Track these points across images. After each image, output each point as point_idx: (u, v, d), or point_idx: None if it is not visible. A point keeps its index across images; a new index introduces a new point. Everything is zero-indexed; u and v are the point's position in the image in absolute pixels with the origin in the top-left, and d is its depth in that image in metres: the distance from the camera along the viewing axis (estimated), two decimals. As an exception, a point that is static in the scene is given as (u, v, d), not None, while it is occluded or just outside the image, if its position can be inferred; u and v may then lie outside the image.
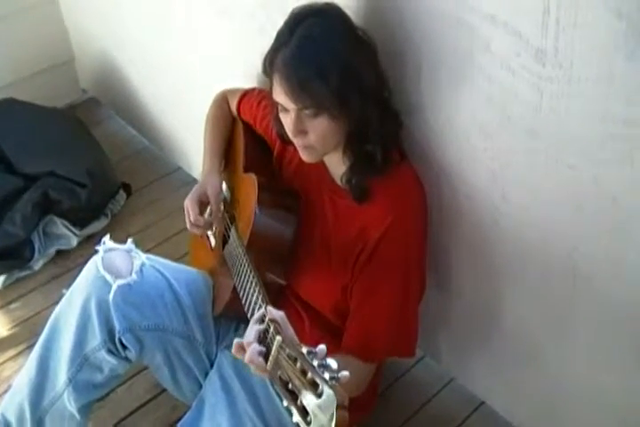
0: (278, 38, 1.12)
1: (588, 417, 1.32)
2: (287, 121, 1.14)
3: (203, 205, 1.37)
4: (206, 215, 1.38)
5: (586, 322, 1.20)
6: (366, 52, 1.12)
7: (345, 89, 1.07)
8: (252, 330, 0.95)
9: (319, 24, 1.09)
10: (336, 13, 1.12)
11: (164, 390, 1.52)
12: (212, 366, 1.35)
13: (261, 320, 0.96)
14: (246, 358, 0.92)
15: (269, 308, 0.97)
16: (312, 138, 1.13)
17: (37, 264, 1.94)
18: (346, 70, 1.07)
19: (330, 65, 1.07)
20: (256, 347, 0.91)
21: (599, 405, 1.27)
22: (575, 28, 0.93)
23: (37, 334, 1.37)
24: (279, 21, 1.13)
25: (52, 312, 1.35)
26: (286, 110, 1.12)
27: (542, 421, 1.43)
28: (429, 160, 1.26)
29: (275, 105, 1.17)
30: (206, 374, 1.35)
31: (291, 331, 0.94)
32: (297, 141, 1.15)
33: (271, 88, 1.14)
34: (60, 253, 1.99)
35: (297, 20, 1.10)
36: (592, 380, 1.25)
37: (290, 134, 1.15)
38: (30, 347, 1.41)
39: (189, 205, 1.35)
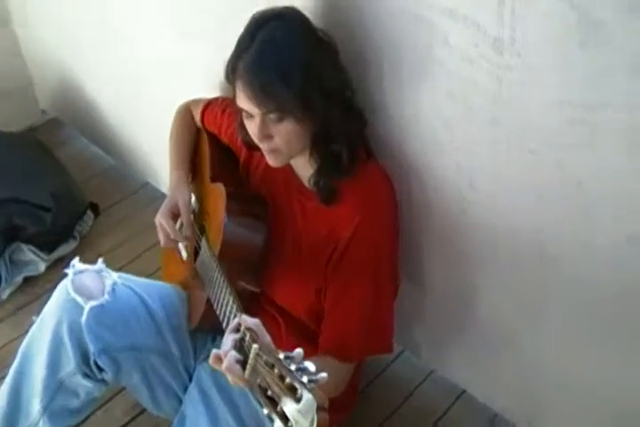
0: (239, 45, 1.11)
1: (564, 400, 1.34)
2: (252, 127, 1.13)
3: (175, 218, 1.35)
4: (178, 227, 1.36)
5: (557, 306, 1.21)
6: (327, 52, 1.13)
7: (307, 91, 1.07)
8: (228, 340, 0.94)
9: (279, 27, 1.09)
10: (295, 16, 1.12)
11: (144, 410, 1.50)
12: (190, 379, 1.33)
13: (237, 329, 0.95)
14: (224, 366, 0.91)
15: (244, 316, 0.96)
16: (278, 142, 1.13)
17: (4, 293, 1.90)
18: (307, 72, 1.07)
19: (291, 68, 1.07)
20: (233, 354, 0.90)
21: (575, 388, 1.29)
22: (530, 17, 0.94)
23: (8, 367, 1.34)
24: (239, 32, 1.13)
25: (21, 343, 1.32)
26: (251, 116, 1.12)
27: (522, 405, 1.45)
28: (396, 156, 1.26)
29: (239, 112, 1.17)
30: (185, 389, 1.33)
31: (267, 338, 0.93)
32: (263, 146, 1.15)
33: (234, 95, 1.13)
34: (27, 280, 1.94)
35: (257, 25, 1.10)
36: (566, 364, 1.27)
37: (256, 140, 1.14)
38: (1, 380, 1.37)
39: (163, 220, 1.33)
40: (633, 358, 1.15)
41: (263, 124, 1.11)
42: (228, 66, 1.13)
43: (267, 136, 1.12)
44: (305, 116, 1.09)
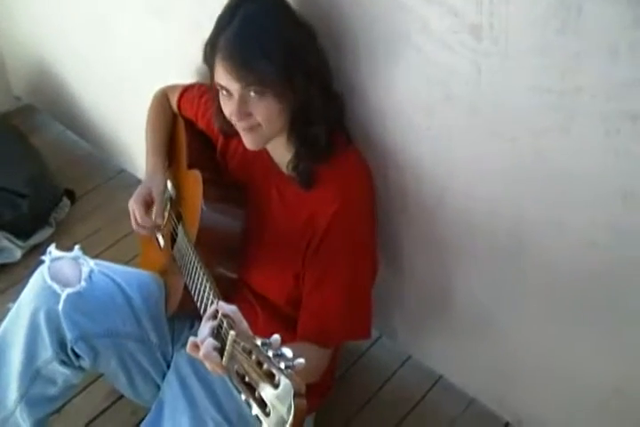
0: (219, 22, 1.11)
1: (541, 385, 1.35)
2: (230, 105, 1.11)
3: (148, 205, 1.35)
4: (153, 215, 1.35)
5: (535, 292, 1.22)
6: (307, 33, 1.12)
7: (289, 66, 1.07)
8: (206, 327, 0.94)
9: (259, 5, 1.09)
10: None
11: (122, 396, 1.50)
12: (169, 366, 1.33)
13: (214, 316, 0.95)
14: (201, 353, 0.91)
15: (221, 303, 0.96)
16: (258, 119, 1.11)
17: (-20, 280, 1.88)
18: (289, 48, 1.07)
19: (273, 42, 1.06)
20: (210, 341, 0.90)
21: (551, 372, 1.31)
22: (508, 3, 0.94)
23: (-17, 354, 1.32)
24: (215, 17, 1.12)
25: (-2, 330, 1.31)
26: (230, 94, 1.10)
27: (498, 390, 1.47)
28: (374, 142, 1.26)
29: (216, 97, 1.16)
30: (164, 376, 1.33)
31: (245, 324, 0.93)
32: (241, 125, 1.13)
33: (212, 75, 1.12)
34: (3, 267, 1.92)
35: (237, 4, 1.10)
36: (543, 348, 1.28)
37: (234, 118, 1.12)
38: (-24, 370, 1.36)
39: (134, 206, 1.33)
40: (611, 342, 1.17)
41: (242, 101, 1.09)
42: (207, 44, 1.12)
43: (246, 114, 1.10)
44: (285, 92, 1.08)
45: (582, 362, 1.23)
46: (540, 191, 1.09)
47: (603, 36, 0.88)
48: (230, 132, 1.23)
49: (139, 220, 1.32)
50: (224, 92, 1.12)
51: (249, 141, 1.16)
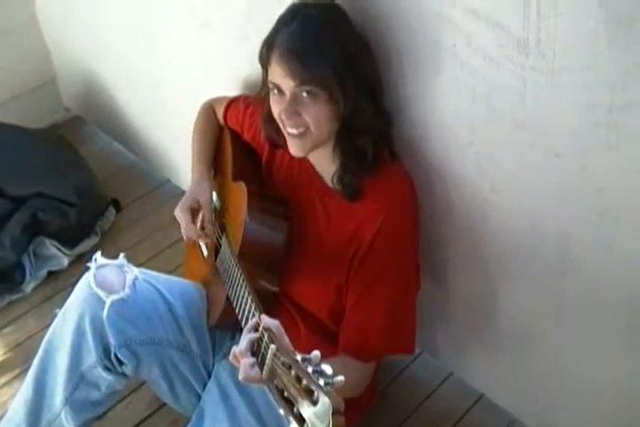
0: (278, 23, 1.13)
1: (585, 406, 1.32)
2: (282, 103, 1.12)
3: (194, 213, 1.36)
4: (198, 224, 1.37)
5: (580, 311, 1.20)
6: (363, 43, 1.14)
7: (343, 71, 1.08)
8: (245, 340, 0.94)
9: (319, 11, 1.12)
10: (335, 7, 1.14)
11: (163, 404, 1.51)
12: (209, 376, 1.34)
13: (255, 329, 0.95)
14: (240, 375, 0.91)
15: (263, 316, 0.96)
16: (307, 120, 1.11)
17: (29, 287, 1.92)
18: (345, 54, 1.08)
19: (330, 45, 1.08)
20: (247, 361, 0.91)
21: (598, 392, 1.27)
22: (556, 17, 0.94)
23: (32, 358, 1.35)
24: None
25: (45, 334, 1.34)
26: (282, 93, 1.11)
27: (542, 410, 1.43)
28: (418, 157, 1.25)
29: (265, 102, 1.17)
30: (204, 385, 1.34)
31: (286, 340, 0.93)
32: (290, 125, 1.13)
33: (266, 76, 1.14)
34: (51, 274, 1.96)
35: (298, 7, 1.12)
36: (590, 367, 1.25)
37: (284, 116, 1.12)
38: (25, 371, 1.39)
39: (180, 213, 1.34)
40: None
41: (293, 100, 1.10)
42: (263, 43, 1.13)
43: (295, 113, 1.11)
44: (336, 97, 1.09)
45: (630, 385, 1.20)
46: (585, 210, 1.07)
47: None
48: (277, 142, 1.24)
49: (183, 227, 1.34)
50: (275, 92, 1.12)
51: (295, 147, 1.16)
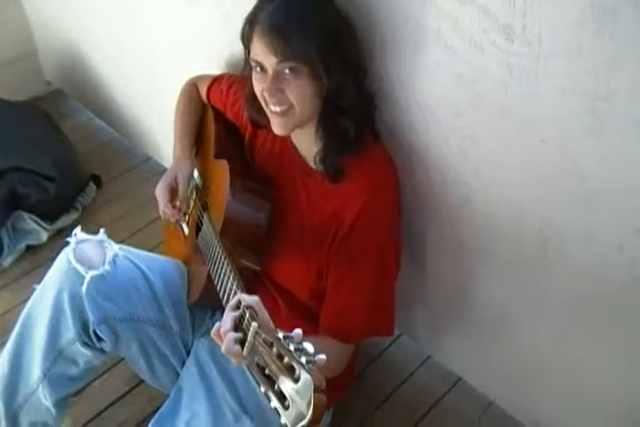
0: (260, 0, 1.11)
1: (560, 391, 1.34)
2: (264, 81, 1.11)
3: (174, 191, 1.36)
4: (176, 202, 1.37)
5: (557, 298, 1.21)
6: (346, 22, 1.13)
7: (327, 47, 1.07)
8: (228, 317, 0.94)
9: None
10: None
11: (141, 381, 1.52)
12: (188, 354, 1.34)
13: (237, 307, 0.96)
14: (223, 348, 0.91)
15: (243, 295, 0.96)
16: (290, 97, 1.11)
17: (7, 261, 1.91)
18: (328, 31, 1.08)
19: (313, 22, 1.07)
20: (232, 335, 0.91)
21: (570, 378, 1.30)
22: (542, 3, 0.93)
23: (9, 332, 1.35)
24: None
25: (23, 309, 1.33)
26: (264, 71, 1.10)
27: (517, 394, 1.45)
28: (400, 140, 1.26)
29: (247, 81, 1.16)
30: (183, 363, 1.34)
31: (266, 316, 0.93)
32: (273, 103, 1.12)
33: (248, 54, 1.13)
34: (30, 248, 1.96)
35: None
36: (563, 352, 1.27)
37: (266, 94, 1.11)
38: (2, 345, 1.39)
39: (159, 192, 1.34)
40: (634, 352, 1.15)
41: (276, 77, 1.09)
42: (245, 21, 1.12)
43: (278, 90, 1.10)
44: (319, 75, 1.08)
45: (602, 369, 1.22)
46: (567, 196, 1.07)
47: (639, 40, 0.87)
48: (259, 122, 1.24)
49: (160, 206, 1.34)
50: (258, 70, 1.11)
51: (278, 125, 1.15)
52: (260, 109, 1.18)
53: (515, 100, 1.04)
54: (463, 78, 1.09)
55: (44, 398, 1.32)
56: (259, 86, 1.13)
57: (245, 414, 1.20)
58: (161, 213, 1.37)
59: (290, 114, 1.13)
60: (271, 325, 0.92)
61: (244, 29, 1.13)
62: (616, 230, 1.05)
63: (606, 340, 1.18)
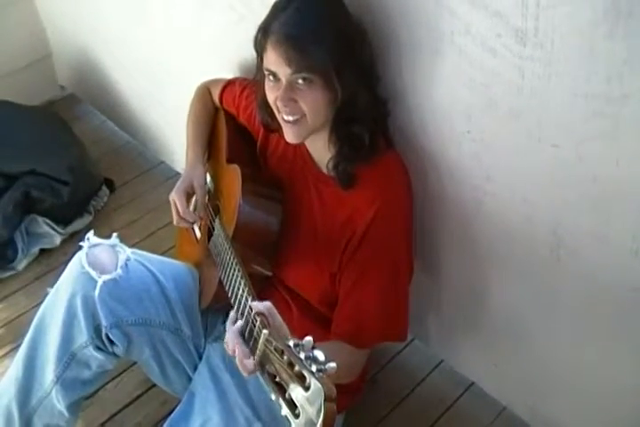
0: (274, 8, 1.11)
1: (574, 398, 1.33)
2: (277, 90, 1.11)
3: (189, 197, 1.36)
4: (191, 207, 1.37)
5: (571, 301, 1.21)
6: (359, 30, 1.13)
7: (340, 57, 1.07)
8: (231, 334, 0.95)
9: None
10: None
11: (154, 385, 1.52)
12: (200, 358, 1.35)
13: (235, 320, 0.97)
14: (239, 365, 0.92)
15: (254, 303, 0.96)
16: (302, 107, 1.11)
17: (21, 264, 1.92)
18: (342, 40, 1.08)
19: (327, 31, 1.07)
20: (241, 352, 0.91)
21: (585, 383, 1.29)
22: (555, 7, 0.93)
23: (23, 335, 1.36)
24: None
25: (36, 312, 1.34)
26: (277, 80, 1.10)
27: (531, 400, 1.44)
28: (413, 145, 1.25)
29: (260, 86, 1.16)
30: (195, 367, 1.34)
31: (279, 319, 0.93)
32: (286, 112, 1.12)
33: (260, 62, 1.13)
34: (43, 252, 1.97)
35: None
36: (578, 358, 1.26)
37: (279, 103, 1.12)
38: (16, 348, 1.41)
39: (176, 197, 1.33)
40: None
41: (289, 87, 1.09)
42: (259, 29, 1.12)
43: (291, 99, 1.10)
44: (332, 85, 1.08)
45: (618, 375, 1.21)
46: (580, 199, 1.07)
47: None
48: (272, 126, 1.24)
49: (180, 212, 1.33)
50: (271, 78, 1.12)
51: (291, 134, 1.16)
52: (272, 114, 1.19)
53: (527, 103, 1.04)
54: (476, 82, 1.08)
55: (58, 402, 1.32)
56: (272, 95, 1.13)
57: (258, 420, 1.21)
58: (175, 219, 1.36)
59: (302, 123, 1.13)
60: (284, 328, 0.92)
61: (257, 37, 1.13)
62: (630, 233, 1.04)
63: (622, 345, 1.17)
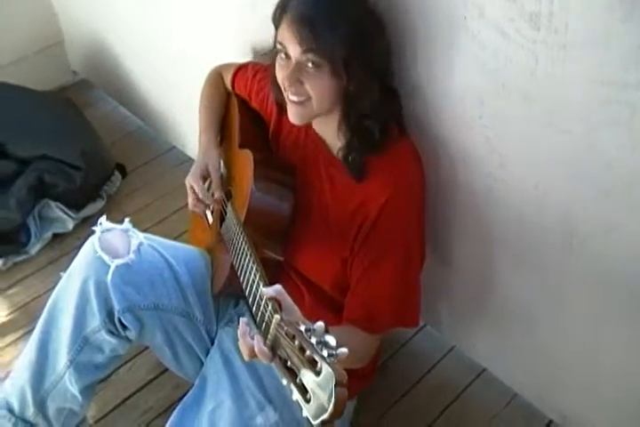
0: None
1: (586, 383, 1.33)
2: (286, 69, 1.12)
3: (205, 180, 1.36)
4: (210, 191, 1.37)
5: (581, 288, 1.20)
6: (376, 22, 1.13)
7: (352, 48, 1.07)
8: (243, 343, 0.94)
9: None
10: None
11: (166, 369, 1.53)
12: (212, 343, 1.35)
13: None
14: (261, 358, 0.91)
15: (264, 289, 0.96)
16: (307, 89, 1.11)
17: (34, 248, 1.94)
18: (358, 30, 1.08)
19: (343, 18, 1.07)
20: (261, 351, 0.90)
21: (596, 371, 1.29)
22: (570, -10, 0.91)
23: (36, 319, 1.37)
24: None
25: (50, 296, 1.35)
26: (288, 58, 1.11)
27: (542, 385, 1.44)
28: (426, 130, 1.25)
29: (273, 64, 1.16)
30: (207, 352, 1.35)
31: (289, 301, 0.93)
32: (291, 91, 1.13)
33: (276, 36, 1.13)
34: (56, 236, 1.98)
35: None
36: (590, 344, 1.26)
37: (286, 83, 1.12)
38: (30, 332, 1.41)
39: (194, 182, 1.33)
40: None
41: (298, 67, 1.10)
42: (277, 5, 1.13)
43: (298, 80, 1.11)
44: (340, 73, 1.08)
45: (628, 362, 1.21)
46: (591, 187, 1.06)
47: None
48: (284, 104, 1.24)
49: (199, 194, 1.32)
50: (282, 56, 1.12)
51: (294, 114, 1.16)
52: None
53: (540, 89, 1.03)
54: (488, 67, 1.08)
55: (71, 385, 1.33)
56: (280, 73, 1.14)
57: (269, 403, 1.21)
58: (191, 205, 1.35)
59: (307, 105, 1.13)
60: (296, 309, 0.92)
61: (275, 13, 1.13)
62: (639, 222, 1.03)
63: (634, 330, 1.17)
